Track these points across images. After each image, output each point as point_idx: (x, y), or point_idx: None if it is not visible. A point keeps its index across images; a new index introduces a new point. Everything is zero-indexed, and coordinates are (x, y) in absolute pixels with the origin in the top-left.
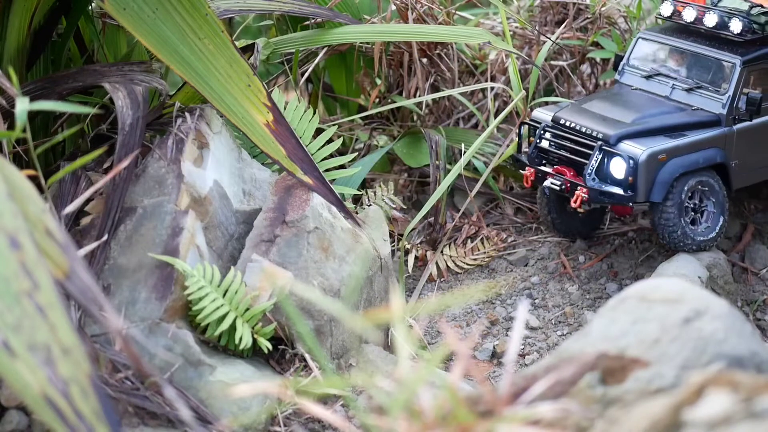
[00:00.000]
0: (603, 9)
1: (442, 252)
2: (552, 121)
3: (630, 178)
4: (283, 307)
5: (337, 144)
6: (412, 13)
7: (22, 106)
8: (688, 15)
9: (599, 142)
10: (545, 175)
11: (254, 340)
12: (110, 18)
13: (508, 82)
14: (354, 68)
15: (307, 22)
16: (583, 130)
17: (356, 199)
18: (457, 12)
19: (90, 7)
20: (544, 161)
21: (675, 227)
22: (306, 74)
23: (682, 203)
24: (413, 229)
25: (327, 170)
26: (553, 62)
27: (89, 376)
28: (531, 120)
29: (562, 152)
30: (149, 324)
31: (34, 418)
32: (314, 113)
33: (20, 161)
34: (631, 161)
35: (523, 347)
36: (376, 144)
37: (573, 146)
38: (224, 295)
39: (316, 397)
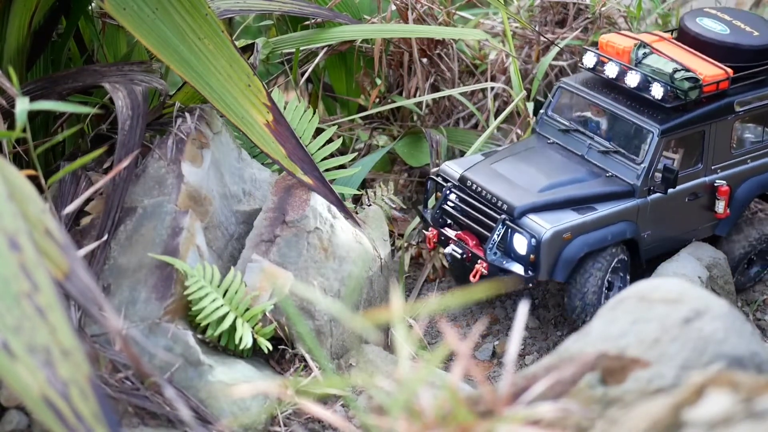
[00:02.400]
0: (603, 9)
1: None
2: (459, 180)
3: (532, 256)
4: (283, 307)
5: (337, 144)
6: (412, 13)
7: (22, 106)
8: (611, 71)
9: (503, 215)
10: (448, 239)
11: (254, 340)
12: (110, 18)
13: (508, 82)
14: (354, 68)
15: (307, 22)
16: (489, 197)
17: (356, 199)
18: (457, 12)
19: (90, 7)
20: (449, 222)
21: (591, 306)
22: (306, 74)
23: (602, 285)
24: (413, 229)
25: (327, 170)
26: (553, 62)
27: (89, 377)
28: (439, 175)
29: (466, 218)
30: (149, 324)
31: (34, 418)
32: (314, 113)
33: (20, 161)
34: (533, 240)
35: (523, 347)
36: (377, 144)
37: (477, 214)
38: (224, 295)
39: (316, 397)
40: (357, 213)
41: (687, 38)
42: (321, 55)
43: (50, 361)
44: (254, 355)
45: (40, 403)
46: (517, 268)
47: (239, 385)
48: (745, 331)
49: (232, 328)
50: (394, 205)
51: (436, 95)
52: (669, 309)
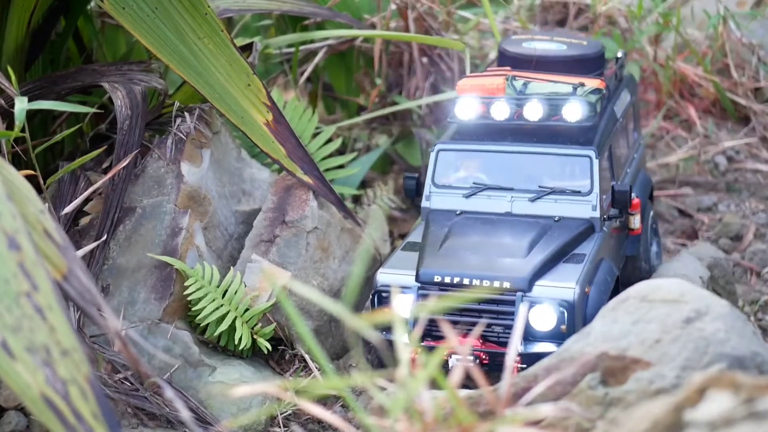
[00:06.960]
0: (604, 8)
1: None
2: (422, 282)
3: (563, 327)
4: (282, 308)
5: (336, 144)
6: (412, 13)
7: (21, 105)
8: (500, 112)
9: (517, 293)
10: (450, 353)
11: (254, 341)
12: (109, 17)
13: None
14: (354, 68)
15: (307, 22)
16: (478, 282)
17: (356, 199)
18: (456, 11)
19: (89, 7)
20: (429, 335)
21: None
22: (306, 74)
23: None
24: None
25: (326, 170)
26: None
27: (88, 377)
28: (378, 291)
29: (457, 317)
30: (148, 324)
31: (33, 418)
32: (314, 113)
33: (19, 161)
34: (563, 305)
35: None
36: (376, 144)
37: (468, 306)
38: (224, 295)
39: (315, 397)
40: (357, 213)
41: (528, 63)
42: (321, 54)
43: (49, 361)
44: (254, 355)
45: (39, 402)
46: (548, 347)
47: (239, 385)
48: (747, 332)
49: (232, 328)
50: (393, 205)
51: (437, 98)
52: (670, 309)
